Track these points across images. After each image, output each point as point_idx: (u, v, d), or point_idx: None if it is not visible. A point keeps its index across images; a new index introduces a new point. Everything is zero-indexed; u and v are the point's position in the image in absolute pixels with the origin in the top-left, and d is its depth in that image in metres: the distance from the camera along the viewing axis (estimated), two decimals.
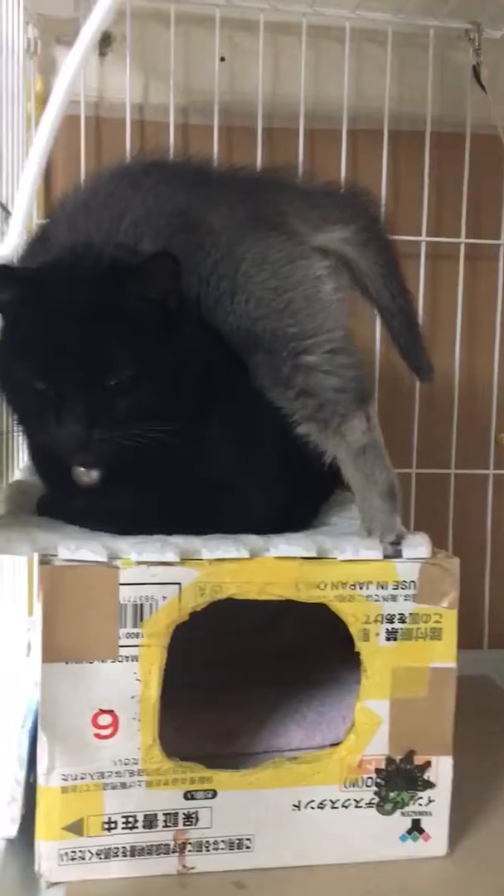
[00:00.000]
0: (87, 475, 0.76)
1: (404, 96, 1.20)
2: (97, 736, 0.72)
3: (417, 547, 0.77)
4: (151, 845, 0.75)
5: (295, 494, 0.82)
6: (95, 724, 0.72)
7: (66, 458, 0.75)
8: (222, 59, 1.17)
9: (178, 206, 0.79)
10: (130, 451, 0.71)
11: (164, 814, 0.75)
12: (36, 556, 0.72)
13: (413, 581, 0.76)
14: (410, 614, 0.76)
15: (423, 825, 0.79)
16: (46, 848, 0.73)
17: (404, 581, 0.76)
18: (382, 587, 0.76)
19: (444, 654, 0.77)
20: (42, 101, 1.16)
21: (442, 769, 0.79)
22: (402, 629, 0.76)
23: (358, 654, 0.77)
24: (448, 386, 1.25)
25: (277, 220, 0.80)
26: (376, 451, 0.79)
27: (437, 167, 1.21)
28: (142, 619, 0.72)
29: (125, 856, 0.74)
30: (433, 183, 1.20)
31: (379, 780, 0.78)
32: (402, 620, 0.76)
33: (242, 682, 0.92)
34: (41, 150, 0.37)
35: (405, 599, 0.76)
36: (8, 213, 0.92)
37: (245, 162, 1.15)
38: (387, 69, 1.17)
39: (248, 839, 0.77)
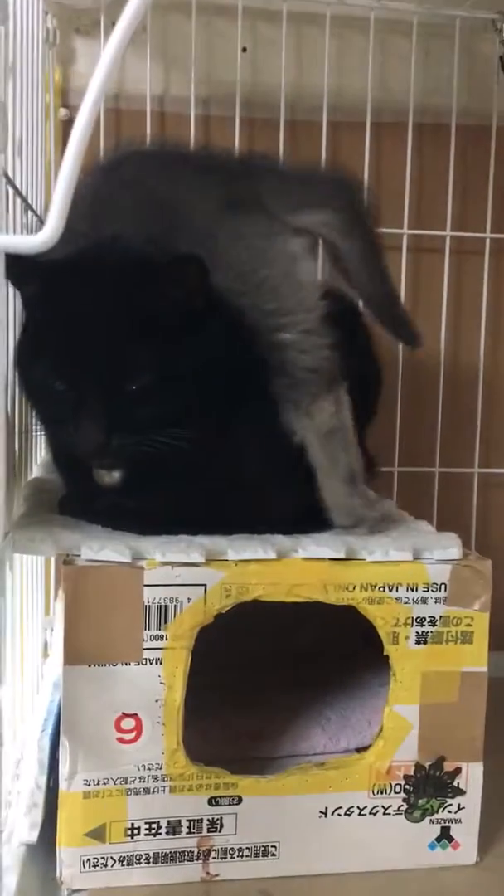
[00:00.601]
0: (109, 475, 0.74)
1: (429, 88, 1.17)
2: (120, 740, 0.71)
3: (448, 548, 0.75)
4: (175, 852, 0.73)
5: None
6: (118, 729, 0.70)
7: (85, 460, 0.73)
8: (244, 50, 1.15)
9: (150, 193, 0.78)
10: (151, 454, 0.70)
11: (187, 820, 0.73)
12: (54, 557, 0.70)
13: (444, 583, 0.74)
14: (441, 617, 0.74)
15: (453, 833, 0.78)
16: (68, 854, 0.72)
17: (435, 583, 0.74)
18: (412, 589, 0.74)
19: (475, 659, 0.75)
20: (61, 92, 1.14)
21: (472, 776, 0.77)
22: (432, 632, 0.74)
23: (382, 656, 0.75)
24: (471, 383, 1.23)
25: (251, 200, 0.79)
26: (342, 434, 0.79)
27: (463, 160, 1.18)
28: (166, 621, 0.70)
29: (148, 863, 0.73)
30: (458, 176, 1.18)
31: (408, 787, 0.76)
32: (433, 623, 0.74)
33: (264, 684, 0.91)
34: (80, 136, 0.35)
35: (436, 602, 0.74)
36: (28, 204, 0.90)
37: (266, 153, 1.15)
38: (411, 60, 1.14)
39: (274, 846, 0.75)
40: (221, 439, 0.73)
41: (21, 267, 0.67)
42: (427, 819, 0.77)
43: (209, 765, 0.74)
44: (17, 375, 0.73)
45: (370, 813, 0.76)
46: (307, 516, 0.79)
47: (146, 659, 0.70)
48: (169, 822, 0.73)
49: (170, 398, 0.70)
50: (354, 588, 0.73)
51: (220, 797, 0.73)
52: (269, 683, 0.91)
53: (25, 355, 0.72)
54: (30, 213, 0.92)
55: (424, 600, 0.74)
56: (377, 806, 0.76)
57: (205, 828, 0.74)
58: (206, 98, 1.16)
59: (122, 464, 0.73)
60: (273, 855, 0.75)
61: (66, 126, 1.14)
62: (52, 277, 0.70)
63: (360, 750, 0.82)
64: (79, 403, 0.69)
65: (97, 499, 0.76)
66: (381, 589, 0.73)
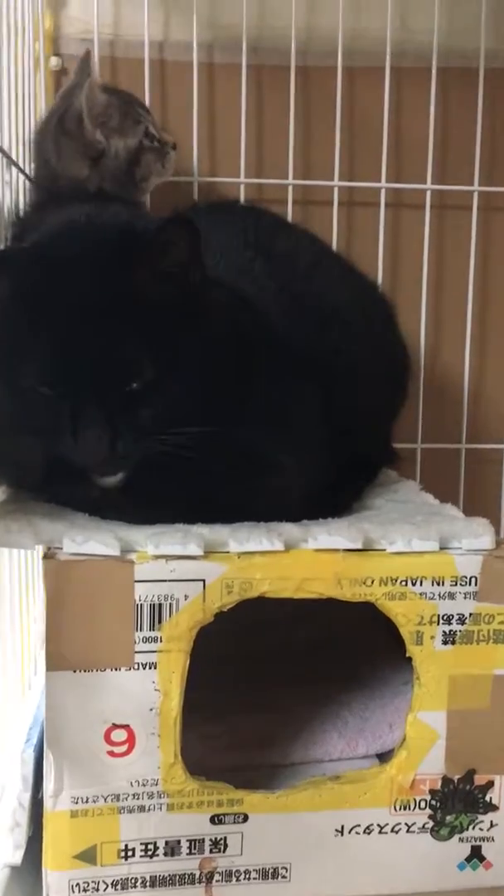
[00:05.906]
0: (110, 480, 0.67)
1: (454, 28, 1.08)
2: (111, 754, 0.63)
3: (479, 536, 0.67)
4: (174, 875, 0.66)
5: (338, 475, 0.73)
6: (109, 741, 0.63)
7: (87, 471, 0.66)
8: None
9: None
10: (159, 456, 0.63)
11: (188, 840, 0.66)
12: (38, 550, 0.63)
13: (474, 577, 0.66)
14: (471, 614, 0.66)
15: (484, 852, 0.70)
16: (55, 878, 0.65)
17: (464, 576, 0.66)
18: (439, 583, 0.66)
19: None
20: (52, 39, 1.06)
21: None
22: (461, 631, 0.66)
23: (404, 651, 0.67)
24: (499, 352, 1.15)
25: None
26: None
27: (491, 108, 1.09)
28: (160, 622, 0.63)
29: (144, 886, 0.66)
30: (486, 126, 1.09)
31: (434, 802, 0.69)
32: (462, 621, 0.66)
33: (272, 681, 0.83)
34: None
35: (465, 597, 0.66)
36: (11, 160, 0.84)
37: (276, 103, 1.06)
38: None
39: (284, 868, 0.68)
40: (235, 419, 0.66)
41: None
42: (456, 837, 0.70)
43: (212, 774, 0.67)
44: None
45: (392, 831, 0.69)
46: (326, 498, 0.72)
47: (138, 663, 0.63)
48: (167, 842, 0.66)
49: (177, 392, 0.63)
50: (373, 582, 0.65)
51: (224, 815, 0.66)
52: (277, 679, 0.83)
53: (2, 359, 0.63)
54: (14, 168, 0.85)
55: (452, 595, 0.66)
56: (400, 823, 0.69)
57: (207, 848, 0.67)
58: (210, 43, 1.07)
59: (127, 471, 0.65)
60: (283, 877, 0.68)
61: (58, 76, 1.06)
62: (23, 272, 0.63)
63: (380, 756, 0.75)
64: (75, 412, 0.62)
65: (88, 487, 0.68)
66: (403, 583, 0.65)
